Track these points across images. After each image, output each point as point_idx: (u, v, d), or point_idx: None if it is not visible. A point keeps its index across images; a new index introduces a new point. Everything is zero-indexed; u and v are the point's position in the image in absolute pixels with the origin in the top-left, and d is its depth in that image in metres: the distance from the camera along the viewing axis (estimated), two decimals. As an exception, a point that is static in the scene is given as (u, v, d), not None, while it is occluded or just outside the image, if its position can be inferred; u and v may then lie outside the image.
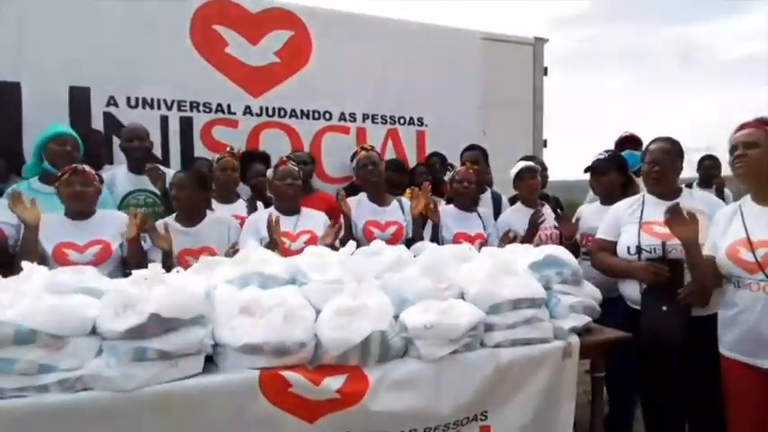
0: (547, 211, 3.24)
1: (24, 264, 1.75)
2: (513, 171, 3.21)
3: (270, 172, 2.87)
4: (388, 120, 4.62)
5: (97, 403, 1.51)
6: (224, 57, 3.97)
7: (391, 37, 4.56)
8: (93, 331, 1.58)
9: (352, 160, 4.25)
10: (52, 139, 2.84)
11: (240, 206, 3.19)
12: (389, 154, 4.53)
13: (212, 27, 3.92)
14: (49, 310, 1.52)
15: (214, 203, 3.08)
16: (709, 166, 4.84)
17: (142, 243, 2.61)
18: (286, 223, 2.76)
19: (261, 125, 4.12)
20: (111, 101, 3.65)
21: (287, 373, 1.69)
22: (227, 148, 3.38)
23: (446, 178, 3.36)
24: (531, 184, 3.16)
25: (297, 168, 2.89)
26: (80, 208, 2.52)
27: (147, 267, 2.49)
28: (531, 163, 3.23)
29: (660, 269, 2.22)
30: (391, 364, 1.84)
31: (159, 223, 2.75)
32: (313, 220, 2.86)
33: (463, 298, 2.06)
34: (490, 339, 1.99)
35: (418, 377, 1.85)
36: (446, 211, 3.21)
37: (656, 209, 2.34)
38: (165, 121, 3.80)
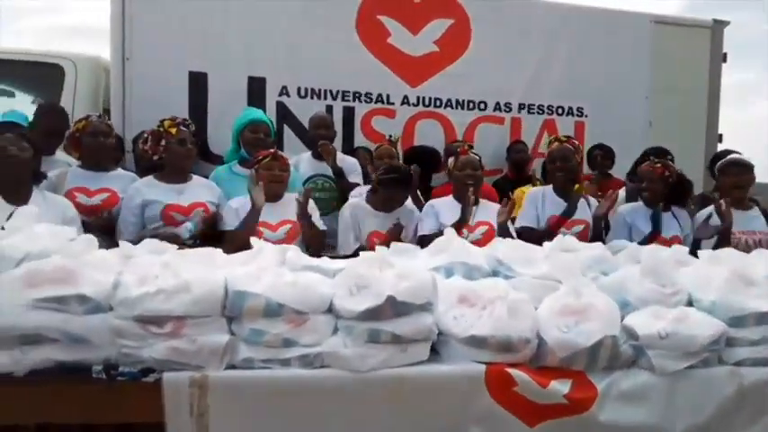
0: (754, 213, 2.83)
1: (254, 240, 1.84)
2: (721, 163, 2.82)
3: (450, 161, 2.81)
4: (545, 110, 4.37)
5: (333, 381, 1.53)
6: (386, 47, 3.99)
7: (552, 22, 4.31)
8: (329, 309, 1.60)
9: (509, 151, 4.17)
10: (247, 125, 3.00)
11: None
12: (545, 146, 4.29)
13: (377, 17, 3.96)
14: (291, 285, 1.56)
15: None
16: None
17: (318, 225, 2.68)
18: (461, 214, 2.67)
19: (417, 115, 4.10)
20: (284, 90, 3.83)
21: (513, 371, 1.60)
22: (387, 137, 3.38)
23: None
24: (748, 180, 2.76)
25: (479, 158, 2.79)
26: (277, 191, 2.64)
27: (323, 246, 2.65)
28: (742, 157, 2.82)
29: None
30: (619, 373, 1.67)
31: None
32: (489, 211, 2.75)
33: (691, 305, 1.83)
34: (730, 356, 1.74)
35: (649, 391, 1.66)
36: (635, 210, 2.92)
37: None
38: (329, 110, 3.90)
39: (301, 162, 3.35)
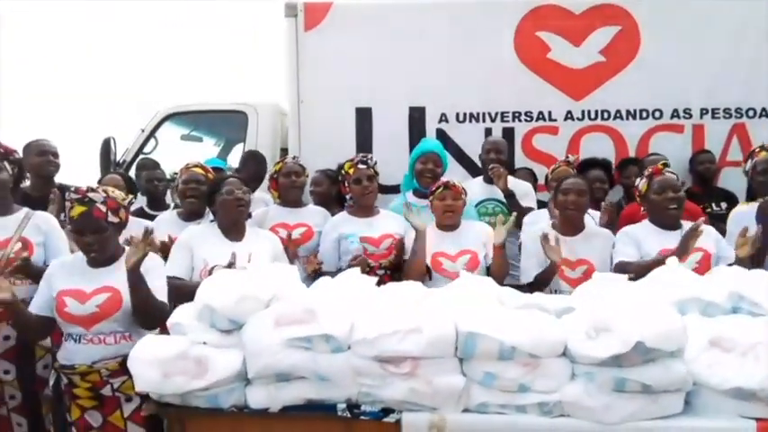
0: None
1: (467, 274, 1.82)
2: None
3: (641, 182, 2.53)
4: (733, 113, 3.84)
5: (575, 432, 1.44)
6: (546, 62, 3.82)
7: (736, 14, 3.80)
8: (563, 353, 1.52)
9: (692, 162, 3.74)
10: (419, 157, 3.06)
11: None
12: (734, 154, 3.79)
13: (535, 34, 3.84)
14: (521, 326, 1.50)
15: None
16: None
17: None
18: (665, 241, 2.41)
19: (582, 130, 3.84)
20: (443, 117, 3.85)
21: (792, 430, 1.37)
22: (565, 157, 3.22)
23: None
24: None
25: (677, 176, 2.51)
26: (451, 221, 2.63)
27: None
28: None
29: None
30: None
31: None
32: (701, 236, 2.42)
33: None
34: None
35: None
36: None
37: None
38: (488, 132, 3.84)
39: (472, 186, 3.32)
